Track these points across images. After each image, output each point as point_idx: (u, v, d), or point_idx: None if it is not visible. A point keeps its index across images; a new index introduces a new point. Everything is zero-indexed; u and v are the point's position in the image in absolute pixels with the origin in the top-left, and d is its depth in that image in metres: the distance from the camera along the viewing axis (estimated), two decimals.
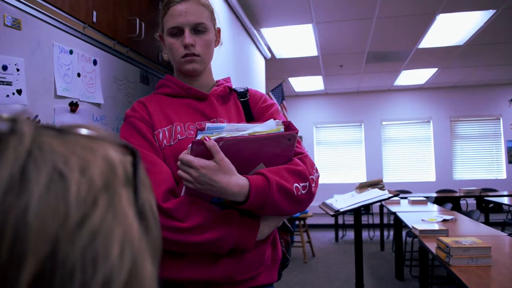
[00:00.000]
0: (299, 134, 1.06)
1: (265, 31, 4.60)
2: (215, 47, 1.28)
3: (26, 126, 0.23)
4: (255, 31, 4.14)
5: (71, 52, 1.48)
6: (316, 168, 1.13)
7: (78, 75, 1.52)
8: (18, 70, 1.23)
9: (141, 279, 0.25)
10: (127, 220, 0.25)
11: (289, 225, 1.32)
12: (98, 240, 0.22)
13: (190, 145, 0.96)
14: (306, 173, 1.06)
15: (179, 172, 0.97)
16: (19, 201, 0.21)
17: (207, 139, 0.95)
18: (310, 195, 1.07)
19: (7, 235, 0.20)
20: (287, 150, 1.05)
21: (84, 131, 0.26)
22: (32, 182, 0.21)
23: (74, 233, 0.22)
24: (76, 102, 1.50)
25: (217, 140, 0.95)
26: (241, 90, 1.29)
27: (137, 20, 1.88)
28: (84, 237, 0.22)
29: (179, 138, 1.13)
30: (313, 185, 1.08)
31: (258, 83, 4.38)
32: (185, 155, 0.97)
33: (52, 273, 0.21)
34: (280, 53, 5.51)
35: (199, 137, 0.99)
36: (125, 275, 0.23)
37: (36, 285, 0.20)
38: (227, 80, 1.33)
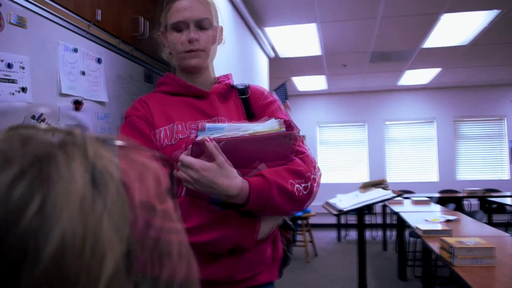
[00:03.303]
0: (302, 134, 1.06)
1: (269, 30, 4.59)
2: (218, 45, 1.28)
3: (86, 140, 0.26)
4: (259, 30, 4.14)
5: (75, 50, 1.48)
6: (317, 167, 1.13)
7: (83, 73, 1.52)
8: (23, 68, 1.24)
9: (193, 277, 0.28)
10: (176, 225, 0.29)
11: (290, 223, 1.31)
12: (161, 242, 0.26)
13: (190, 146, 0.96)
14: (307, 173, 1.06)
15: (179, 173, 0.96)
16: (95, 207, 0.23)
17: (208, 140, 0.94)
18: (311, 195, 1.07)
19: (88, 237, 0.22)
20: (288, 149, 1.05)
21: (124, 143, 0.30)
22: (103, 191, 0.24)
23: (143, 235, 0.25)
24: (81, 100, 1.50)
25: (218, 140, 0.95)
26: (242, 87, 1.27)
27: (142, 18, 1.89)
28: (151, 239, 0.25)
29: (180, 137, 1.12)
30: (314, 184, 1.07)
31: (262, 82, 4.38)
32: (186, 157, 0.96)
33: (128, 270, 0.23)
34: (283, 52, 5.50)
35: (199, 137, 0.98)
36: (183, 272, 0.27)
37: (114, 280, 0.23)
38: (228, 76, 1.31)
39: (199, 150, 0.94)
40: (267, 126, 1.02)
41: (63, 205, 0.22)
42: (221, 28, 1.29)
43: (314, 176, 1.08)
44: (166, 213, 0.27)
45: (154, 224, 0.25)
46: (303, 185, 1.04)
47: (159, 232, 0.25)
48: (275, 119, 1.06)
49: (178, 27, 1.18)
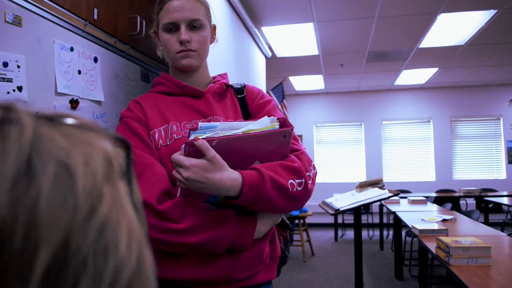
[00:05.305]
0: (299, 133, 1.05)
1: (266, 29, 4.59)
2: (211, 44, 1.27)
3: (26, 116, 0.23)
4: (256, 30, 4.14)
5: (71, 49, 1.48)
6: (313, 165, 1.12)
7: (79, 72, 1.52)
8: (18, 67, 1.23)
9: (146, 269, 0.25)
10: (128, 212, 0.25)
11: (287, 222, 1.30)
12: (107, 231, 0.23)
13: (183, 146, 0.95)
14: (302, 169, 1.05)
15: (174, 173, 0.96)
16: (29, 192, 0.21)
17: (198, 139, 0.93)
18: (306, 192, 1.05)
19: (19, 225, 0.20)
20: (283, 147, 1.04)
21: (75, 121, 0.26)
22: (39, 175, 0.21)
23: (85, 224, 0.22)
24: (77, 99, 1.50)
25: (210, 140, 0.94)
26: (238, 87, 1.27)
27: (138, 17, 1.88)
28: (95, 228, 0.22)
29: (175, 137, 1.12)
30: (309, 182, 1.06)
31: (259, 82, 4.38)
32: (177, 155, 0.95)
33: (65, 263, 0.21)
34: (280, 52, 5.50)
35: (192, 137, 0.97)
36: (133, 265, 0.24)
37: (50, 274, 0.20)
38: (224, 76, 1.31)
39: (192, 149, 0.93)
40: (261, 124, 1.01)
41: None
42: (214, 27, 1.28)
43: (309, 173, 1.07)
44: (115, 198, 0.24)
45: (100, 211, 0.22)
46: (297, 181, 1.03)
47: (106, 219, 0.23)
48: (269, 117, 1.05)
49: (169, 28, 1.17)
